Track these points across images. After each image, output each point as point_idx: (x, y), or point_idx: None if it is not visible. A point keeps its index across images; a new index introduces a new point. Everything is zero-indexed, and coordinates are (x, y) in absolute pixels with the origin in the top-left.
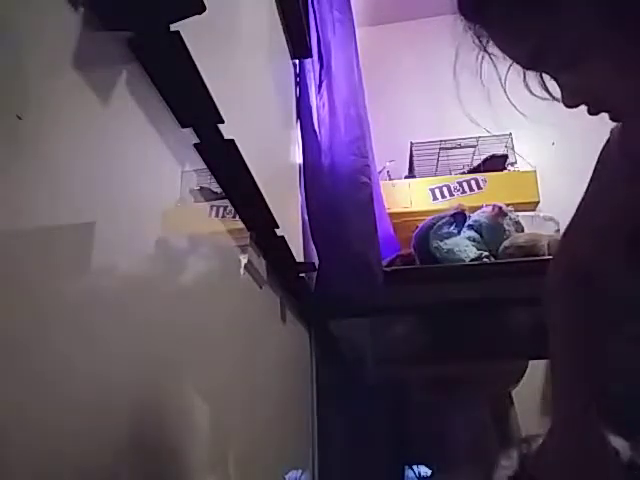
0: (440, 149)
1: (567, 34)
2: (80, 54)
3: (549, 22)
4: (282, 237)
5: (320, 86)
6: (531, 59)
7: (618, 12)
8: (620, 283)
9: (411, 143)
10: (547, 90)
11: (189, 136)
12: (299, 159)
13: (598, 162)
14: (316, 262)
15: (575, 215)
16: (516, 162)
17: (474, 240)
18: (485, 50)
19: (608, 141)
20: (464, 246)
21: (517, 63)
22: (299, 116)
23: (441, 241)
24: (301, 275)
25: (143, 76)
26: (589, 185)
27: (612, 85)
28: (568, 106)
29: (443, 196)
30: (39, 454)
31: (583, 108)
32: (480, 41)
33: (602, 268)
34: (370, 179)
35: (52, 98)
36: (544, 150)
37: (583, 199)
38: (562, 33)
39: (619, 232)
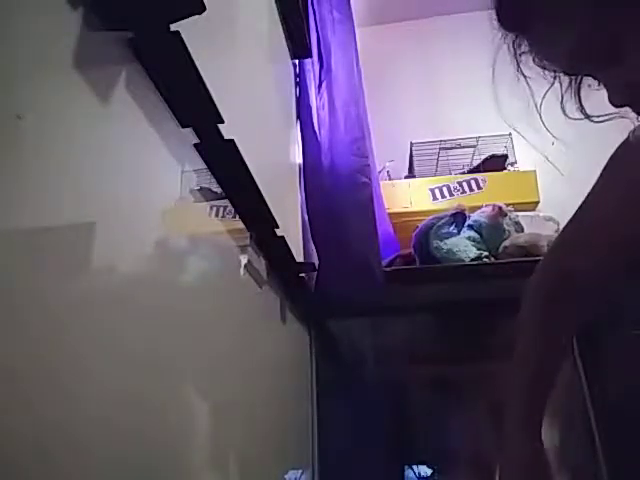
0: (440, 149)
1: (612, 27)
2: (80, 54)
3: (592, 18)
4: (282, 237)
5: (320, 86)
6: (574, 58)
7: None
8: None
9: (411, 143)
10: (582, 110)
11: (189, 136)
12: (299, 159)
13: (609, 165)
14: (316, 262)
15: (572, 221)
16: (516, 162)
17: (474, 240)
18: (519, 65)
19: (625, 142)
20: (464, 246)
21: (558, 67)
22: (299, 116)
23: (441, 241)
24: (301, 275)
25: (143, 76)
26: (594, 188)
27: None
28: (616, 105)
29: (443, 196)
30: (48, 453)
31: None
32: (515, 52)
33: (594, 283)
34: (370, 179)
35: (52, 98)
36: (544, 150)
37: (584, 204)
38: (607, 27)
39: (620, 248)
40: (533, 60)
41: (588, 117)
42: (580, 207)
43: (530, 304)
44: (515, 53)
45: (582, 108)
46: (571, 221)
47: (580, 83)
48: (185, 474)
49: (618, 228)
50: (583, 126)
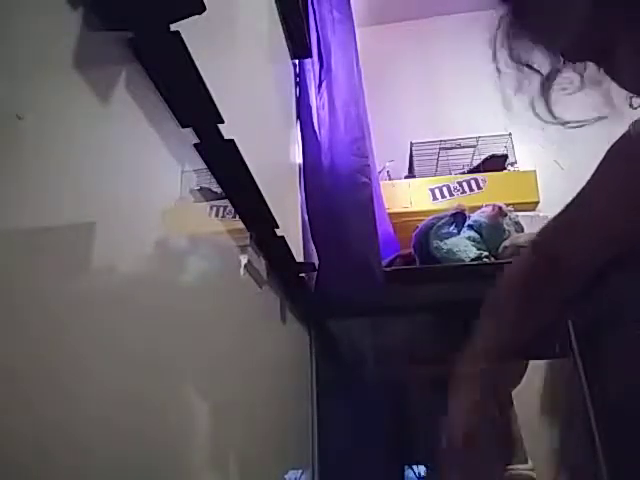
0: (440, 149)
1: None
2: (80, 54)
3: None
4: (282, 237)
5: (320, 86)
6: (577, 43)
7: None
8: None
9: (411, 143)
10: (551, 113)
11: (189, 136)
12: (299, 159)
13: (607, 157)
14: (316, 262)
15: (566, 210)
16: (516, 162)
17: (474, 240)
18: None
19: (624, 136)
20: (464, 246)
21: (557, 52)
22: (299, 116)
23: (441, 241)
24: (301, 275)
25: (143, 76)
26: (592, 178)
27: None
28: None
29: (443, 196)
30: (48, 453)
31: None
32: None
33: (583, 270)
34: (370, 179)
35: (52, 98)
36: (544, 150)
37: (580, 194)
38: (605, 27)
39: (613, 240)
40: (510, 55)
41: (563, 123)
42: (576, 196)
43: (507, 288)
44: (496, 45)
45: (550, 111)
46: (565, 210)
47: (550, 86)
48: (185, 474)
49: (614, 220)
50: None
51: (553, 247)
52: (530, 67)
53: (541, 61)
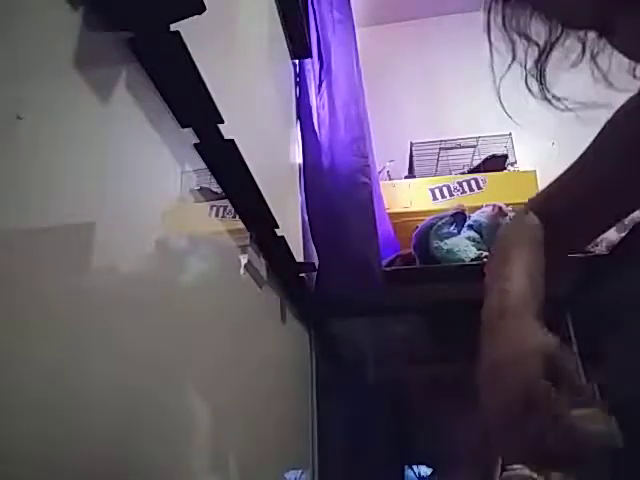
0: (440, 149)
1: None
2: (80, 54)
3: None
4: (282, 237)
5: (320, 86)
6: (579, 11)
7: None
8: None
9: (411, 143)
10: (547, 91)
11: (189, 136)
12: (299, 159)
13: (610, 123)
14: (316, 262)
15: (567, 174)
16: (516, 162)
17: (474, 240)
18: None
19: (624, 105)
20: (464, 246)
21: (557, 22)
22: (299, 116)
23: (441, 241)
24: (301, 275)
25: (143, 76)
26: (592, 145)
27: None
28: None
29: (443, 196)
30: (48, 454)
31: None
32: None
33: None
34: (370, 179)
35: (52, 98)
36: (544, 150)
37: (580, 159)
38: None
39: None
40: (503, 23)
41: (558, 99)
42: (575, 163)
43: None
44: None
45: (544, 90)
46: (563, 175)
47: (546, 61)
48: (185, 474)
49: (616, 186)
50: (583, 125)
51: (551, 214)
52: (527, 37)
53: (537, 33)
